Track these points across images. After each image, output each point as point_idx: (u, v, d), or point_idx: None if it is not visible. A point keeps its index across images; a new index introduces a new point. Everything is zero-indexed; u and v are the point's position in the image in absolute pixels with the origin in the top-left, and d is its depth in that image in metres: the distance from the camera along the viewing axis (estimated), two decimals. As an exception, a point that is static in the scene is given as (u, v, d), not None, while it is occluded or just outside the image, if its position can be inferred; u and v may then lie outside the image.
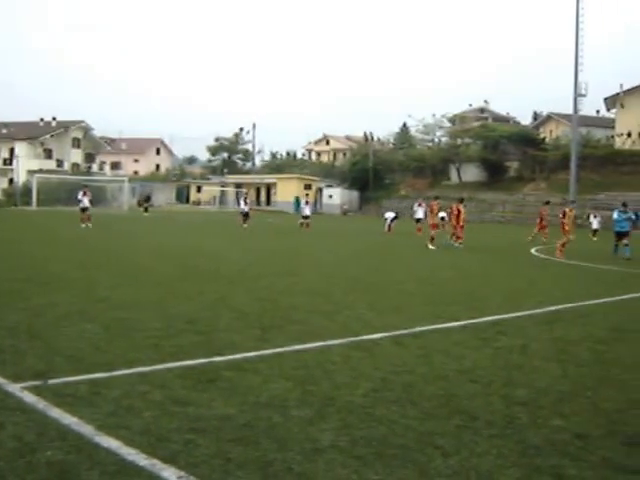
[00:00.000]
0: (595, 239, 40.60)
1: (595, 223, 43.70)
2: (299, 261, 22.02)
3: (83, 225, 36.94)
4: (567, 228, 27.17)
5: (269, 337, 9.52)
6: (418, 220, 41.04)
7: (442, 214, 47.61)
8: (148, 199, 68.61)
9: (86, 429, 5.61)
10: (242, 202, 47.63)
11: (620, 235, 27.02)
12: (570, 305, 13.67)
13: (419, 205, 42.20)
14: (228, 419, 6.03)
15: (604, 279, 19.34)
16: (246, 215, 45.65)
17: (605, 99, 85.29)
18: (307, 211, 46.88)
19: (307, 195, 47.67)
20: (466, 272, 20.25)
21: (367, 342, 9.44)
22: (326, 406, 6.48)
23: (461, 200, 32.47)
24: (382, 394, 6.94)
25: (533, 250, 29.92)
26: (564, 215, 27.97)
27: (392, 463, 5.17)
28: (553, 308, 13.19)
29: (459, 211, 30.84)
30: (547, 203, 41.30)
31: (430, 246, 29.24)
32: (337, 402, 6.61)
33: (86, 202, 39.19)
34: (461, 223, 30.70)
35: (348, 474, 4.94)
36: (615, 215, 27.66)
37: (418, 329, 10.46)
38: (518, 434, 5.92)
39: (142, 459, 5.04)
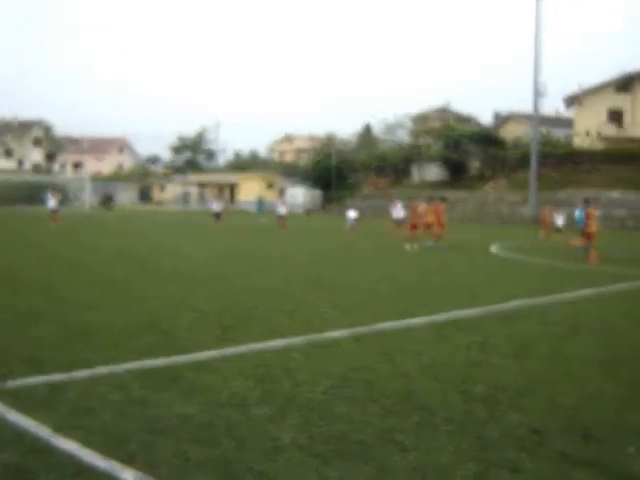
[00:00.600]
0: (559, 237, 40.93)
1: (559, 220, 44.08)
2: (261, 260, 21.98)
3: (51, 226, 36.40)
4: (592, 230, 24.60)
5: (230, 336, 9.52)
6: (397, 221, 40.68)
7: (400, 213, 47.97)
8: (110, 199, 68.21)
9: (43, 431, 5.58)
10: (215, 202, 47.51)
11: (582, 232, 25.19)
12: (529, 301, 13.82)
13: (395, 205, 41.42)
14: (187, 419, 6.03)
15: (562, 276, 19.54)
16: (218, 215, 45.75)
17: (564, 99, 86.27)
18: (282, 210, 46.26)
19: (283, 195, 47.02)
20: (426, 270, 20.36)
21: (328, 340, 9.48)
22: (286, 404, 6.50)
23: (442, 199, 31.84)
24: (342, 391, 6.98)
25: (493, 248, 30.12)
26: (588, 216, 25.09)
27: (351, 460, 5.21)
28: (512, 305, 13.32)
29: (439, 211, 29.89)
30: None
31: (406, 246, 27.98)
32: (297, 400, 6.64)
33: (54, 203, 38.96)
34: (442, 221, 29.75)
35: (307, 472, 4.97)
36: (577, 213, 26.23)
37: (379, 327, 10.53)
38: (476, 429, 5.99)
39: (100, 461, 5.02)
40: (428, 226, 30.07)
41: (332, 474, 4.94)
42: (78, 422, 5.84)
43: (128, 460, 5.05)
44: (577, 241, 25.41)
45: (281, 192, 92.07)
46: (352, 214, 44.66)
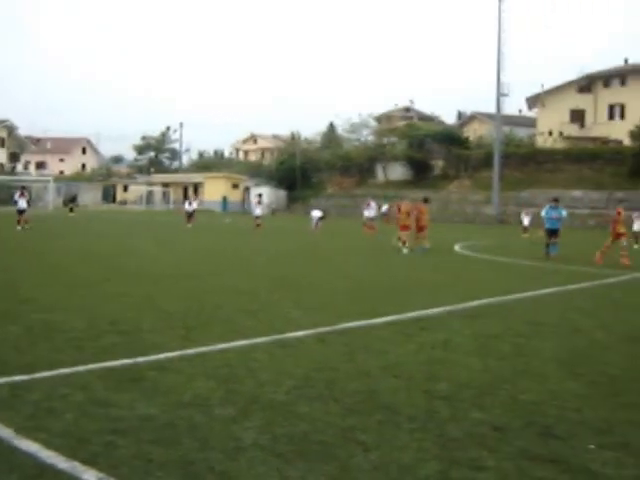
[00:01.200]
0: (526, 236, 41.35)
1: (526, 220, 44.45)
2: (226, 260, 21.93)
3: (19, 227, 35.28)
4: (620, 230, 24.00)
5: (193, 337, 9.48)
6: (369, 219, 40.63)
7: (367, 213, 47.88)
8: (74, 199, 67.44)
9: (5, 432, 5.51)
10: (187, 202, 47.12)
11: (552, 232, 24.46)
12: (492, 300, 13.94)
13: (368, 205, 41.52)
14: (150, 419, 5.99)
15: (525, 274, 19.74)
16: (190, 215, 45.35)
17: (527, 99, 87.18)
18: (258, 211, 44.59)
19: (259, 196, 45.91)
20: (391, 269, 20.45)
21: (291, 340, 9.48)
22: (249, 404, 6.48)
23: (425, 200, 30.21)
24: (305, 391, 6.97)
25: (457, 247, 30.31)
26: (619, 214, 24.56)
27: (313, 460, 5.20)
28: (475, 303, 13.42)
29: (420, 211, 28.43)
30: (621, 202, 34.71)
31: (404, 250, 26.33)
32: (260, 400, 6.62)
33: (23, 204, 37.39)
34: (423, 223, 28.19)
35: (269, 472, 4.96)
36: (543, 212, 25.27)
37: (342, 326, 10.55)
38: (438, 427, 6.02)
39: (62, 461, 4.98)
40: (405, 228, 28.05)
41: (293, 474, 4.93)
42: (40, 423, 5.78)
43: (90, 461, 5.01)
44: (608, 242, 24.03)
45: (245, 192, 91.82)
46: (317, 214, 44.59)
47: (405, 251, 26.13)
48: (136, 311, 11.43)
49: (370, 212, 40.91)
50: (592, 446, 5.69)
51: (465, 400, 6.86)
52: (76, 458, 5.05)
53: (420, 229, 28.16)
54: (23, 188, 40.69)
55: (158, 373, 7.50)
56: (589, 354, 9.26)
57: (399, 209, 28.66)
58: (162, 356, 8.29)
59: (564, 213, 24.90)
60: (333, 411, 6.37)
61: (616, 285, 17.57)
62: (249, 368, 7.82)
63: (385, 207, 47.88)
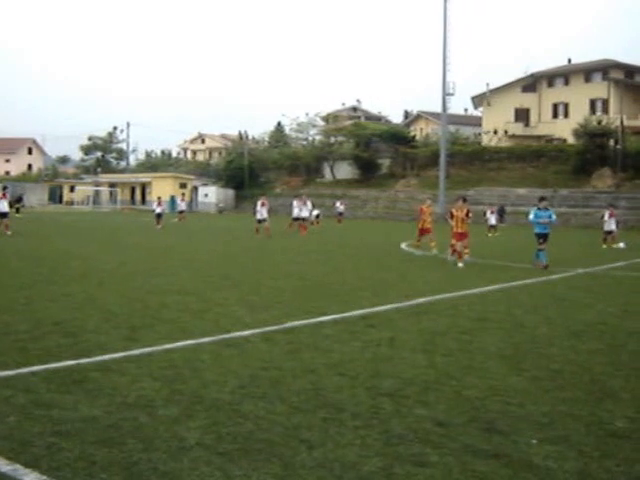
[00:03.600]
0: (490, 235, 41.70)
1: (492, 219, 44.69)
2: (172, 260, 21.74)
3: (9, 232, 32.03)
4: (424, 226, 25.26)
5: (138, 337, 9.41)
6: (301, 219, 38.98)
7: (316, 211, 47.80)
8: (19, 200, 66.21)
9: (-54, 436, 5.43)
10: (154, 204, 46.24)
11: (542, 237, 21.54)
12: (438, 297, 14.07)
13: (303, 203, 39.69)
14: (93, 421, 5.93)
15: (471, 271, 19.92)
16: (159, 216, 44.41)
17: (472, 98, 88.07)
18: (264, 213, 37.37)
19: (264, 196, 41.92)
20: (338, 267, 20.48)
21: (237, 339, 9.45)
22: (194, 404, 6.46)
23: (427, 201, 28.32)
24: (250, 390, 6.97)
25: (404, 245, 30.47)
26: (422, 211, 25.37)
27: (257, 458, 5.20)
28: (422, 300, 13.53)
29: (422, 211, 26.78)
30: None
31: (459, 264, 21.51)
32: (205, 400, 6.60)
33: (5, 206, 33.83)
34: (427, 225, 26.49)
35: (212, 471, 4.95)
36: (531, 216, 22.07)
37: (289, 325, 10.56)
38: (382, 424, 6.05)
39: (4, 465, 4.92)
40: (427, 231, 26.52)
41: (237, 473, 4.93)
42: (-19, 426, 5.69)
43: (32, 463, 4.96)
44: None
45: (193, 191, 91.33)
46: (314, 212, 44.36)
47: (460, 265, 21.19)
48: (80, 312, 11.30)
49: (304, 212, 39.57)
50: (534, 440, 5.78)
51: (409, 396, 6.91)
52: (18, 461, 5.00)
53: (424, 230, 26.69)
54: (4, 188, 36.22)
55: (102, 374, 7.43)
56: (532, 349, 9.38)
57: (452, 214, 22.87)
58: (106, 357, 8.22)
59: (554, 217, 21.98)
60: (278, 410, 6.37)
61: (559, 281, 17.84)
62: (194, 368, 7.79)
63: (341, 206, 46.84)
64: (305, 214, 38.38)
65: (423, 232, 26.25)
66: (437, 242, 26.36)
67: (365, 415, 6.29)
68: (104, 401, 6.48)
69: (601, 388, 7.47)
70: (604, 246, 31.74)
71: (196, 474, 4.90)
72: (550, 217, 21.67)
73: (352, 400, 6.73)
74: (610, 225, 33.17)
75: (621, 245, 31.69)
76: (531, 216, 21.90)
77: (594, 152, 63.70)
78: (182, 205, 54.31)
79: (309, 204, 41.83)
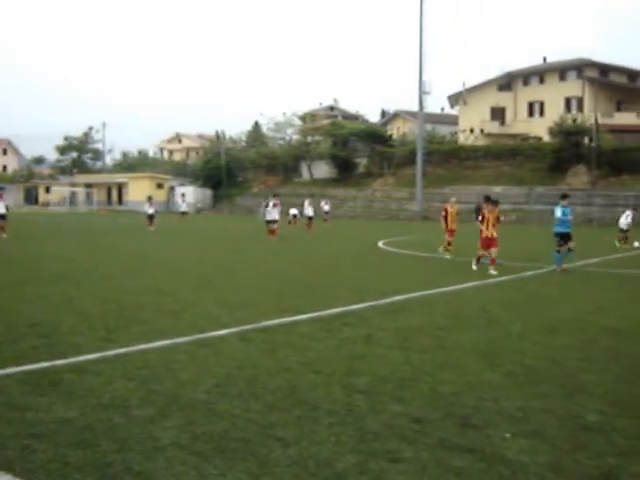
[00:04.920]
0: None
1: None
2: (148, 261, 21.67)
3: (4, 235, 31.83)
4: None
5: (113, 338, 9.37)
6: (272, 222, 34.44)
7: (293, 211, 47.75)
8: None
9: None
10: (146, 205, 45.28)
11: (563, 237, 20.19)
12: (414, 295, 14.13)
13: (274, 205, 35.15)
14: (68, 422, 5.92)
15: (447, 269, 20.00)
16: (151, 217, 43.35)
17: (449, 97, 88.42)
18: (275, 215, 35.12)
19: (275, 197, 37.38)
20: (314, 266, 20.52)
21: (213, 339, 9.45)
22: (169, 404, 6.45)
23: (451, 199, 26.50)
24: (225, 389, 6.98)
25: (381, 243, 30.56)
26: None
27: (232, 457, 5.22)
28: (398, 298, 13.58)
29: (447, 211, 24.86)
30: None
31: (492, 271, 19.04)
32: (180, 400, 6.60)
33: (1, 207, 33.05)
34: (452, 226, 24.67)
35: (187, 470, 4.95)
36: (559, 213, 20.36)
37: (265, 323, 10.57)
38: (357, 421, 6.08)
39: (-23, 468, 4.88)
40: (451, 232, 24.73)
41: (212, 471, 4.94)
42: (-45, 429, 5.66)
43: (6, 466, 4.94)
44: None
45: (170, 191, 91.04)
46: (308, 211, 43.74)
47: (494, 272, 18.77)
48: (56, 313, 11.25)
49: (273, 214, 34.63)
50: (508, 435, 5.83)
51: (385, 393, 6.95)
52: (-9, 464, 4.96)
53: (449, 232, 24.67)
54: (1, 189, 35.25)
55: (77, 375, 7.41)
56: (507, 345, 9.45)
57: (483, 216, 20.17)
58: (82, 358, 8.19)
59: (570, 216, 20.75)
60: (253, 408, 6.39)
61: (533, 278, 17.97)
62: (169, 368, 7.78)
63: (326, 206, 45.06)
64: (274, 216, 34.43)
65: (451, 233, 24.48)
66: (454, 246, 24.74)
67: (340, 412, 6.32)
68: (79, 402, 6.46)
69: (574, 383, 7.55)
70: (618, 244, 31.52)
71: (171, 474, 4.90)
72: (570, 214, 20.59)
73: (327, 398, 6.75)
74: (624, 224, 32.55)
75: (636, 244, 31.39)
76: (558, 213, 20.33)
77: (569, 150, 64.12)
78: (183, 206, 53.59)
79: (279, 205, 38.46)
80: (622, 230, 32.09)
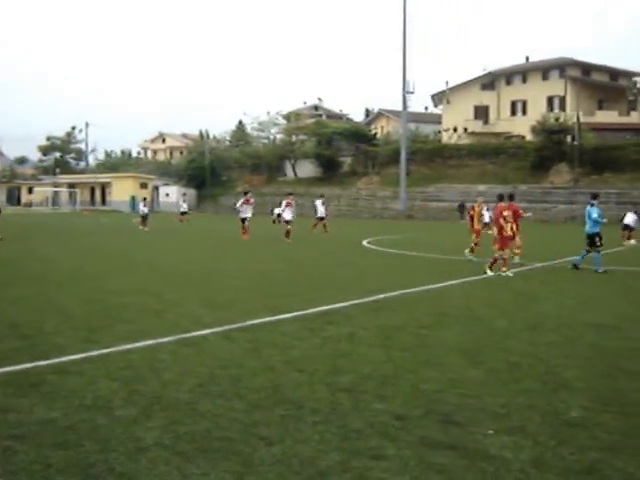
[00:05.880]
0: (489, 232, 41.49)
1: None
2: (132, 261, 21.59)
3: None
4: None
5: (96, 338, 9.33)
6: (287, 222, 32.50)
7: (278, 210, 47.45)
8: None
9: None
10: (141, 205, 44.76)
11: (599, 237, 19.60)
12: (398, 293, 14.15)
13: (287, 205, 33.57)
14: (50, 423, 5.89)
15: (431, 267, 20.04)
16: (145, 217, 43.06)
17: (432, 96, 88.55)
18: (288, 215, 33.16)
19: (289, 196, 35.23)
20: (299, 265, 20.52)
21: (197, 338, 9.43)
22: (152, 404, 6.43)
23: (478, 199, 24.85)
24: (208, 389, 6.96)
25: (365, 242, 30.56)
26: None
27: (215, 457, 5.21)
28: (381, 296, 13.59)
29: (474, 210, 23.61)
30: None
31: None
32: (163, 400, 6.58)
33: None
34: (476, 226, 23.25)
35: (170, 470, 4.94)
36: (595, 214, 19.63)
37: (249, 323, 10.56)
38: (340, 419, 6.09)
39: (-42, 471, 4.85)
40: (478, 232, 23.22)
41: (195, 471, 4.94)
42: None
43: (-12, 469, 4.89)
44: None
45: (154, 191, 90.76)
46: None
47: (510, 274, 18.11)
48: (38, 314, 11.19)
49: (287, 214, 33.06)
50: (491, 431, 5.85)
51: (368, 391, 6.95)
52: (-27, 467, 4.92)
53: (475, 232, 23.19)
54: None
55: (59, 376, 7.37)
56: (490, 343, 9.48)
57: (501, 215, 19.08)
58: (64, 359, 8.15)
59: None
60: (237, 407, 6.38)
61: (516, 275, 17.98)
62: (153, 368, 7.75)
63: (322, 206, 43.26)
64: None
65: (478, 233, 23.17)
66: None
67: (323, 411, 6.32)
68: (61, 403, 6.43)
69: (557, 379, 7.59)
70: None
71: (154, 474, 4.89)
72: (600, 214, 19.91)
73: (311, 396, 6.75)
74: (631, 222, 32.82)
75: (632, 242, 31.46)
76: (595, 214, 19.56)
77: (552, 148, 64.37)
78: (184, 206, 53.18)
79: (252, 202, 36.43)
80: (629, 228, 32.50)
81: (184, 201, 54.43)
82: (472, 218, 23.59)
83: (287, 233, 31.79)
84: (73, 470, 4.95)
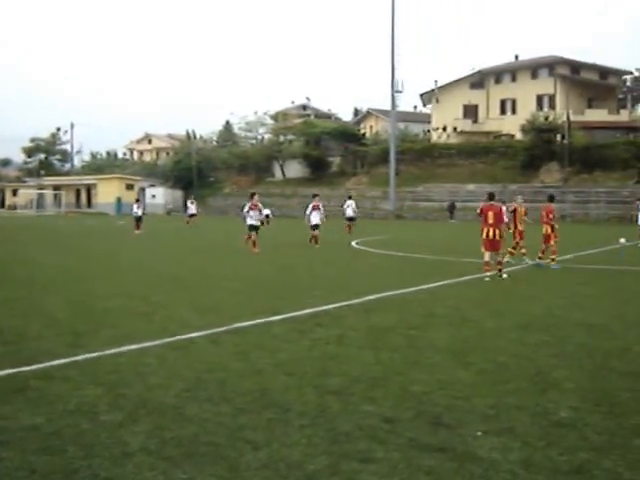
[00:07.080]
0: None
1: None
2: (118, 264, 21.49)
3: None
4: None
5: (82, 343, 9.23)
6: (314, 227, 29.29)
7: (267, 211, 47.26)
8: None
9: None
10: (135, 206, 43.79)
11: None
12: (387, 294, 14.10)
13: (314, 208, 30.08)
14: (34, 429, 5.82)
15: (421, 268, 20.04)
16: (139, 219, 41.50)
17: (421, 95, 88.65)
18: (315, 219, 29.87)
19: (315, 198, 31.26)
20: (288, 267, 20.46)
21: (184, 342, 9.36)
22: (138, 409, 6.36)
23: (518, 199, 23.65)
24: (195, 393, 6.90)
25: (354, 243, 30.52)
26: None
27: (202, 461, 5.15)
28: (371, 297, 13.56)
29: (515, 211, 22.27)
30: None
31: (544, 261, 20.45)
32: (149, 404, 6.51)
33: None
34: (519, 227, 22.05)
35: (156, 476, 4.88)
36: None
37: (237, 326, 10.48)
38: (329, 422, 6.03)
39: (-60, 478, 4.80)
40: (521, 234, 22.10)
41: (181, 476, 4.88)
42: None
43: (-29, 475, 4.85)
44: None
45: (140, 192, 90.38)
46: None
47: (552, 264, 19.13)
48: (22, 318, 11.08)
49: (314, 218, 29.69)
50: (479, 433, 5.81)
51: (356, 394, 6.90)
52: (-44, 473, 4.88)
53: (518, 233, 22.04)
54: None
55: (44, 382, 7.29)
56: (480, 343, 9.46)
57: (547, 214, 20.83)
58: (49, 364, 8.06)
59: None
60: (223, 411, 6.32)
61: (508, 275, 17.96)
62: (139, 372, 7.68)
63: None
64: (318, 220, 29.49)
65: (521, 235, 22.09)
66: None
67: (312, 414, 6.26)
68: (45, 409, 6.36)
69: (546, 379, 7.57)
70: None
71: (139, 479, 4.83)
72: None
73: (299, 399, 6.70)
74: None
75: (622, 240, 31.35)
76: None
77: (542, 147, 64.57)
78: (192, 208, 52.87)
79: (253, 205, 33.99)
80: None
81: (192, 203, 53.96)
82: (515, 219, 22.09)
83: (315, 239, 28.64)
84: (57, 476, 4.90)
